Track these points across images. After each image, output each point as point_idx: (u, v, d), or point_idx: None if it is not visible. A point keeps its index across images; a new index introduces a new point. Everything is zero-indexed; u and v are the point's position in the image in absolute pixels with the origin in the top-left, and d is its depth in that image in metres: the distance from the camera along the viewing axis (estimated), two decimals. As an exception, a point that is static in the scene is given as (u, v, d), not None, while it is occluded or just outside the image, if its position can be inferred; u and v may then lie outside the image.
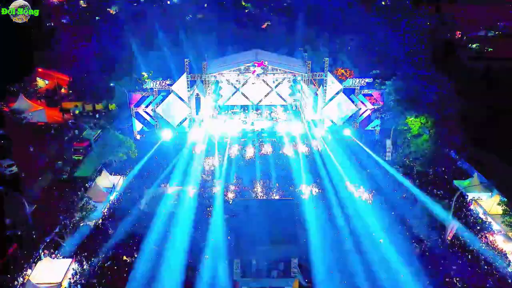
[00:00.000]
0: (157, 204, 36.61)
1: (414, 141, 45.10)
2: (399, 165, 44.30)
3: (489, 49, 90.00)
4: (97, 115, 61.35)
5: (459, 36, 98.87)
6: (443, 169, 42.87)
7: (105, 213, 36.28)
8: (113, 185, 39.33)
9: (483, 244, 32.00)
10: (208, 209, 36.31)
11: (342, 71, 63.53)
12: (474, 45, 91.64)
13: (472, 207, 37.23)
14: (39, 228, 33.23)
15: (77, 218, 32.67)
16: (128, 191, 39.72)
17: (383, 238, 32.10)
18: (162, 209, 35.93)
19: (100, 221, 35.38)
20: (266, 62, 50.92)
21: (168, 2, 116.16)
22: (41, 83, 74.55)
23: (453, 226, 32.24)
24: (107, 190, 38.25)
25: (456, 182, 39.99)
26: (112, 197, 38.40)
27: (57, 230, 32.07)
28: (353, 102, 51.97)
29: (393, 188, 39.70)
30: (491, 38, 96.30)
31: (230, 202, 36.49)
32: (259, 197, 37.72)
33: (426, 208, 35.89)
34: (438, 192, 39.10)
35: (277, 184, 40.32)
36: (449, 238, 32.53)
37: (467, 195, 38.17)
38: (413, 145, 45.19)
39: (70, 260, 30.00)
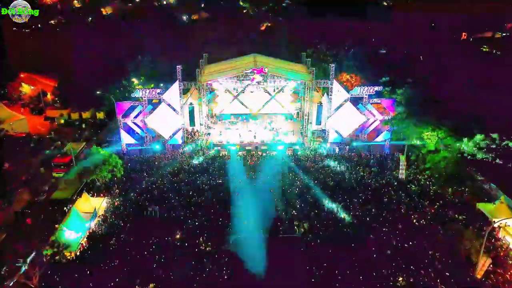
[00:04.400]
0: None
1: (430, 157, 40.77)
2: (414, 184, 39.87)
3: (497, 52, 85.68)
4: (83, 125, 56.77)
5: (465, 37, 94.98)
6: (464, 189, 38.36)
7: (84, 245, 31.67)
8: (94, 209, 34.77)
9: (520, 285, 27.74)
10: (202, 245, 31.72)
11: (347, 76, 59.20)
12: (483, 48, 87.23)
13: (500, 235, 32.93)
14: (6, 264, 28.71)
15: (48, 252, 28.13)
16: (111, 216, 35.11)
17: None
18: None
19: (78, 253, 30.83)
20: (266, 69, 46.45)
21: (165, 2, 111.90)
22: (26, 88, 69.80)
23: (485, 262, 27.97)
24: (87, 218, 33.64)
25: (480, 206, 35.59)
26: (92, 224, 33.83)
27: (24, 269, 27.46)
28: (361, 112, 47.60)
29: (411, 213, 35.30)
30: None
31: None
32: (257, 230, 32.78)
33: (449, 238, 31.58)
34: (460, 217, 34.70)
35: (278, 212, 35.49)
36: (479, 275, 28.25)
37: (494, 221, 33.79)
38: (429, 161, 40.88)
39: (38, 307, 25.60)
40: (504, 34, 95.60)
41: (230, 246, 31.06)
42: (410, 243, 31.61)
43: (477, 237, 30.75)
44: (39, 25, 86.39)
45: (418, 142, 41.97)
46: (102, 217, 35.12)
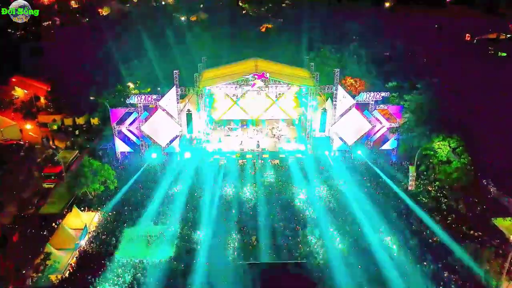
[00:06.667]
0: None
1: (441, 168, 38.48)
2: (424, 197, 37.63)
3: (503, 54, 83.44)
4: (77, 131, 54.45)
5: (469, 39, 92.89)
6: (478, 202, 36.11)
7: (73, 266, 29.43)
8: (85, 226, 32.52)
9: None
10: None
11: (351, 81, 57.01)
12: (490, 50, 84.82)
13: (518, 254, 30.72)
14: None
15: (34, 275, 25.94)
16: (103, 233, 32.84)
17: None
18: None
19: (67, 274, 28.57)
20: (268, 74, 44.18)
21: (163, 3, 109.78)
22: (19, 92, 67.45)
23: (508, 286, 25.84)
24: (76, 236, 31.39)
25: (496, 221, 33.38)
26: (82, 242, 31.56)
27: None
28: (367, 118, 45.40)
29: (422, 231, 33.08)
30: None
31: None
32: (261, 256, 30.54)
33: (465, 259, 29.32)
34: (476, 234, 32.47)
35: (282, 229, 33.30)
36: (500, 301, 26.16)
37: (510, 238, 31.66)
38: (440, 172, 38.58)
39: None
40: (509, 36, 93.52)
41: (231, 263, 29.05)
42: (424, 263, 29.53)
43: (495, 257, 28.68)
44: (33, 27, 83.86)
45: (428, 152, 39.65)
46: (94, 233, 32.90)
